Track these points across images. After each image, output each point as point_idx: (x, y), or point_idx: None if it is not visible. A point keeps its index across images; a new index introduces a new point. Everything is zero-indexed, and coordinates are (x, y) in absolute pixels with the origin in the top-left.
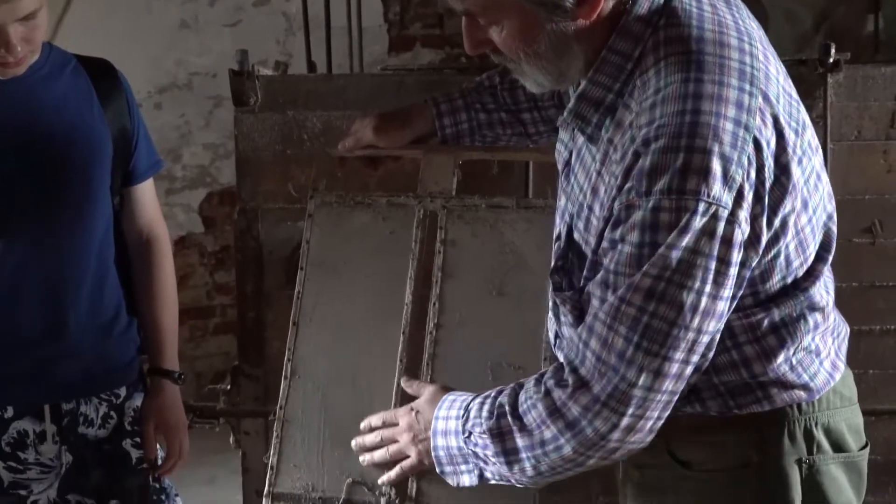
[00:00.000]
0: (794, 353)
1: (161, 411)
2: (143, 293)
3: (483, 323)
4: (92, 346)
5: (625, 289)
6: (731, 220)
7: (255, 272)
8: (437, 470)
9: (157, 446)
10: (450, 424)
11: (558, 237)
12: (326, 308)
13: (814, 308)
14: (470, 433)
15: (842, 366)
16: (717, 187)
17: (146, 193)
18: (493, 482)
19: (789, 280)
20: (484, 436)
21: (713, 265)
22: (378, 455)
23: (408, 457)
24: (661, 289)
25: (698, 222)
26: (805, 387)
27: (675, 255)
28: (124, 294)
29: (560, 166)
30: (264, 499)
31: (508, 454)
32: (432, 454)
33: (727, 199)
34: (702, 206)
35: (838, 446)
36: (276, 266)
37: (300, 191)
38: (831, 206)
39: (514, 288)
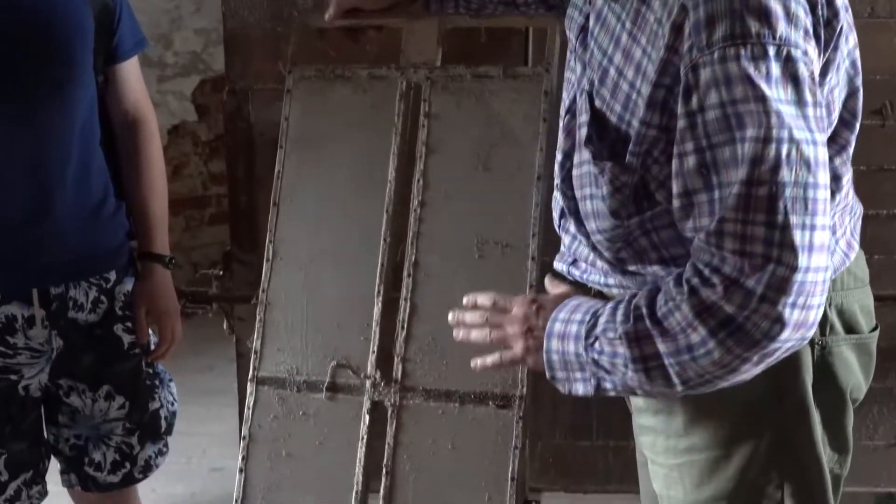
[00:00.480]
0: None
1: (152, 296)
2: (131, 175)
3: (469, 199)
4: (79, 230)
5: (747, 169)
6: (806, 58)
7: (246, 155)
8: (548, 374)
9: (150, 331)
10: (570, 328)
11: (569, 109)
12: (307, 187)
13: (837, 181)
14: (596, 339)
15: (856, 245)
16: (782, 26)
17: (131, 73)
18: (611, 394)
19: None
20: (617, 342)
21: (810, 112)
22: (476, 335)
23: (509, 348)
24: (786, 151)
25: (774, 68)
26: None
27: (775, 108)
28: (112, 178)
29: (574, 33)
30: (249, 384)
31: (647, 360)
32: (543, 356)
33: (795, 37)
34: (772, 50)
35: (850, 327)
36: (267, 148)
37: None
38: (859, 69)
39: (500, 162)
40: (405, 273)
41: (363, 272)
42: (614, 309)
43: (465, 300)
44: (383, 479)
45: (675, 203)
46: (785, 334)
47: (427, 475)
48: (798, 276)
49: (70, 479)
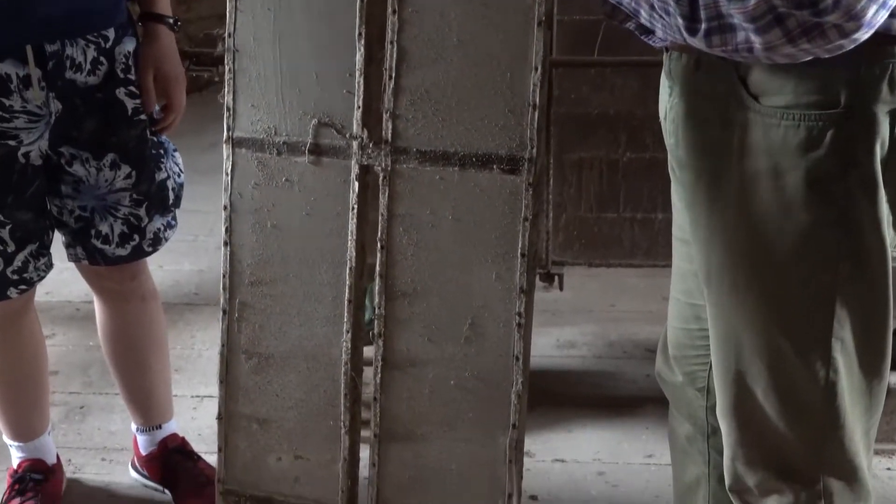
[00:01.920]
0: None
1: (158, 60)
2: None
3: None
4: None
5: None
6: None
7: None
8: None
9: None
10: None
11: None
12: None
13: None
14: None
15: None
16: None
17: None
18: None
19: None
20: None
21: None
22: None
23: None
24: None
25: None
26: None
27: None
28: None
29: None
30: (224, 146)
31: None
32: None
33: None
34: None
35: None
36: None
37: None
38: None
39: None
40: (389, 9)
41: (340, 8)
42: None
43: None
44: (378, 255)
45: None
46: (830, 14)
47: (427, 250)
48: None
49: (76, 252)
